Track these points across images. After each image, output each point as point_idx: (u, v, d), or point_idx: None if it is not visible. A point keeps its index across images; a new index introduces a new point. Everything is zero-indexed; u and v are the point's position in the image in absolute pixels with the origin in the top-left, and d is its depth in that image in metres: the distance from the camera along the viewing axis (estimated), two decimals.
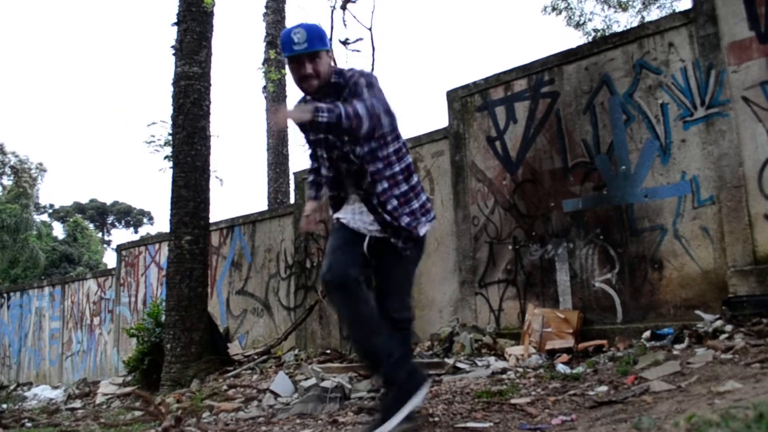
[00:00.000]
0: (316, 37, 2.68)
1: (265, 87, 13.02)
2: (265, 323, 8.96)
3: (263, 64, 13.08)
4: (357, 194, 2.90)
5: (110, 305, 11.94)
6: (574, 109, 5.91)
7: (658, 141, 5.36)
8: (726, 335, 4.21)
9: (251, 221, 9.47)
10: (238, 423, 4.32)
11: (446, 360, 5.26)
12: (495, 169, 6.42)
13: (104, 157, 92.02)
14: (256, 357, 7.72)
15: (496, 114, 6.47)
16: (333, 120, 2.48)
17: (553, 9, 15.82)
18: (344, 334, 2.86)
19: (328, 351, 7.48)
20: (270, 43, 13.05)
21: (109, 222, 47.31)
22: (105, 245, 41.92)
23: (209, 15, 7.96)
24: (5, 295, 14.55)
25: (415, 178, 2.99)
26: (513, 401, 3.45)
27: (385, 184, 2.84)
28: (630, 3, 15.40)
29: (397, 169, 2.89)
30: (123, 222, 47.50)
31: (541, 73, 6.17)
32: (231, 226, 9.74)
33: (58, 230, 37.89)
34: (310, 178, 3.43)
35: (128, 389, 7.62)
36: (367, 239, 2.84)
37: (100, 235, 43.35)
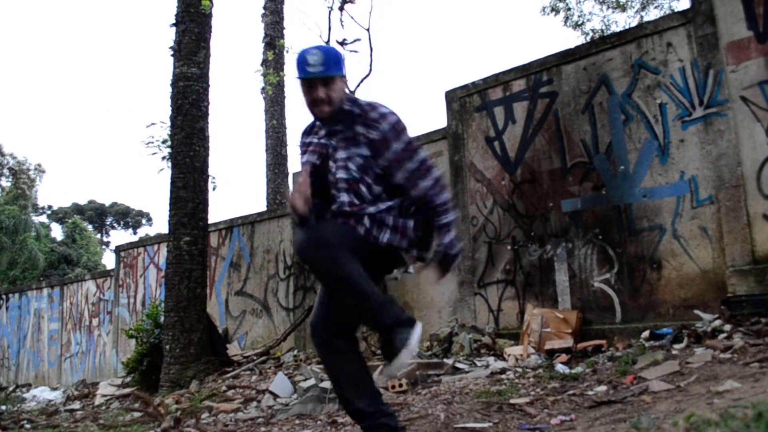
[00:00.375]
0: (332, 61, 2.61)
1: (263, 88, 13.01)
2: (264, 324, 8.96)
3: (261, 65, 13.08)
4: None
5: (109, 306, 11.93)
6: (573, 109, 5.91)
7: (657, 141, 5.37)
8: (725, 335, 4.21)
9: (250, 222, 9.47)
10: (237, 424, 4.32)
11: (445, 360, 5.26)
12: (494, 169, 6.42)
13: (103, 158, 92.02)
14: (255, 358, 7.72)
15: (494, 114, 6.47)
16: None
17: (552, 9, 15.84)
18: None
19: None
20: (268, 44, 13.04)
21: (108, 223, 47.26)
22: (104, 246, 41.89)
23: (208, 16, 7.95)
24: (4, 296, 14.54)
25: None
26: (512, 401, 3.45)
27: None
28: (628, 3, 15.42)
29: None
30: (122, 223, 47.45)
31: (540, 73, 6.17)
32: (230, 226, 9.73)
33: (57, 231, 37.90)
34: None
35: (127, 390, 7.62)
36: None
37: (98, 236, 43.32)
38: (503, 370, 4.73)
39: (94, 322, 12.23)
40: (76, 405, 7.91)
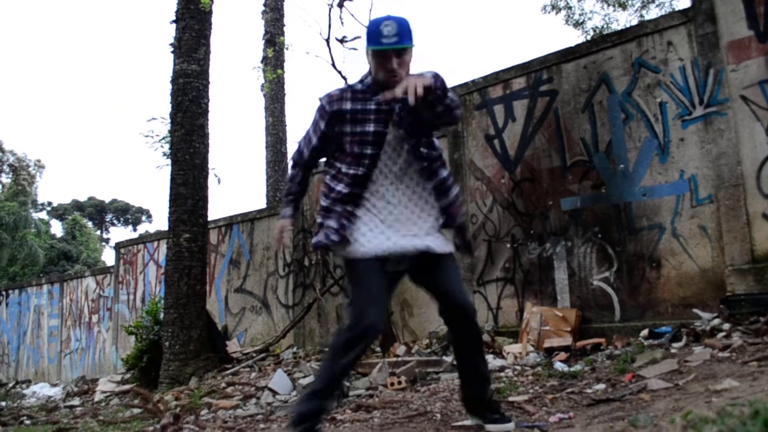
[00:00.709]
0: (406, 32, 2.60)
1: (263, 85, 13.00)
2: (263, 321, 8.97)
3: (261, 62, 13.07)
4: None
5: (109, 303, 11.94)
6: (573, 107, 5.91)
7: (657, 140, 5.37)
8: (724, 334, 4.22)
9: (250, 219, 9.47)
10: (237, 420, 4.33)
11: (444, 358, 5.26)
12: (493, 167, 6.42)
13: (102, 154, 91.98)
14: (254, 355, 7.72)
15: (494, 112, 6.47)
16: (447, 91, 2.61)
17: (553, 7, 15.82)
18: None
19: (327, 349, 7.48)
20: (268, 41, 13.03)
21: (108, 220, 47.24)
22: (103, 243, 41.88)
23: (208, 13, 7.95)
24: (4, 292, 14.54)
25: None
26: (511, 399, 3.46)
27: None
28: (629, 2, 15.40)
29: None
30: (121, 220, 47.44)
31: (540, 71, 6.17)
32: (229, 223, 9.73)
33: (57, 228, 37.91)
34: (295, 188, 3.11)
35: (127, 387, 7.63)
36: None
37: (98, 232, 43.30)
38: (502, 368, 4.74)
39: (94, 318, 12.24)
40: (76, 401, 7.93)
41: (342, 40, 7.16)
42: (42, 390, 10.45)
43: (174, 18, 7.94)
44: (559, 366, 4.46)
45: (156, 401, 5.35)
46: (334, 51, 8.05)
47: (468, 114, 6.68)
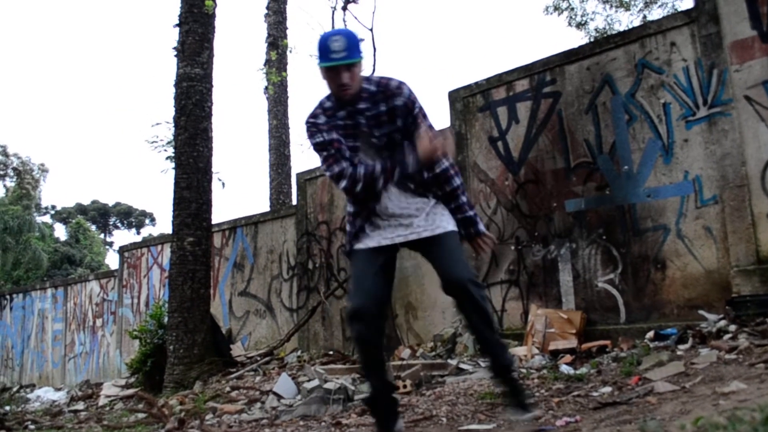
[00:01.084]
0: (354, 46, 2.69)
1: (266, 88, 13.02)
2: (267, 324, 8.96)
3: (264, 65, 13.08)
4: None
5: (113, 307, 11.95)
6: (576, 109, 5.90)
7: (661, 141, 5.35)
8: (730, 335, 4.20)
9: (253, 222, 9.47)
10: (242, 425, 4.32)
11: (449, 361, 5.26)
12: (497, 169, 6.41)
13: (106, 158, 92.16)
14: (258, 358, 7.72)
15: (498, 114, 6.46)
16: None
17: (555, 9, 15.82)
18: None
19: (331, 352, 7.48)
20: (271, 44, 13.04)
21: (111, 223, 47.34)
22: (107, 246, 41.96)
23: (211, 16, 7.96)
24: (8, 296, 14.57)
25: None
26: None
27: None
28: (632, 2, 15.39)
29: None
30: (125, 223, 47.53)
31: (543, 73, 6.16)
32: (233, 227, 9.74)
33: (60, 231, 37.97)
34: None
35: (131, 391, 7.64)
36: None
37: (102, 236, 43.39)
38: None
39: (98, 322, 12.25)
40: (80, 405, 7.93)
41: None
42: (46, 394, 10.46)
43: (177, 21, 7.95)
44: (564, 369, 4.44)
45: (160, 406, 5.35)
46: None
47: (471, 116, 6.67)
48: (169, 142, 10.17)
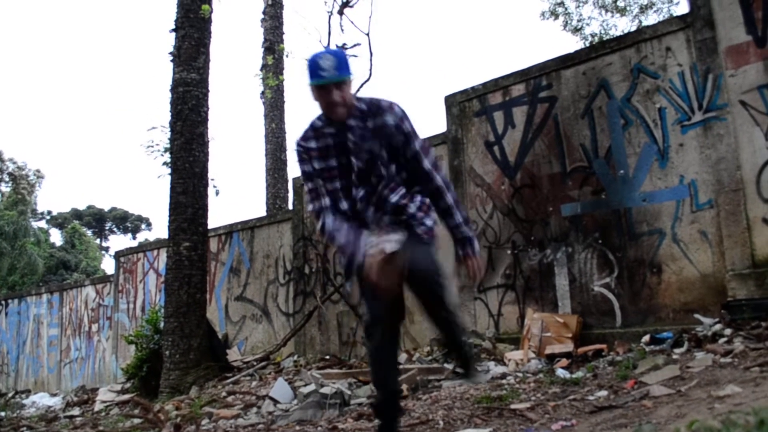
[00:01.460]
0: (343, 64, 2.69)
1: (263, 93, 13.03)
2: (263, 329, 8.94)
3: (261, 69, 13.09)
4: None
5: (109, 312, 11.91)
6: (572, 113, 5.92)
7: (656, 145, 5.37)
8: (725, 339, 4.21)
9: (250, 227, 9.46)
10: (238, 430, 4.31)
11: (446, 365, 5.25)
12: (493, 173, 6.42)
13: (101, 163, 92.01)
14: (255, 363, 7.70)
15: (494, 119, 6.48)
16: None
17: (551, 14, 15.88)
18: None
19: (328, 357, 7.47)
20: (268, 49, 13.06)
21: (107, 228, 47.23)
22: (103, 251, 41.83)
23: (207, 21, 7.96)
24: (3, 302, 14.50)
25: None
26: (513, 406, 3.44)
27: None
28: (627, 7, 15.45)
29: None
30: (121, 228, 47.42)
31: (539, 77, 6.18)
32: (229, 232, 9.72)
33: (56, 237, 37.88)
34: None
35: (127, 396, 7.60)
36: None
37: (98, 241, 43.27)
38: (504, 375, 4.73)
39: (94, 327, 12.21)
40: (76, 411, 7.89)
41: (342, 48, 7.18)
42: (41, 400, 10.41)
43: (173, 27, 7.95)
44: (560, 373, 4.44)
45: (156, 411, 5.33)
46: None
47: (467, 121, 6.68)
48: (166, 149, 10.16)
